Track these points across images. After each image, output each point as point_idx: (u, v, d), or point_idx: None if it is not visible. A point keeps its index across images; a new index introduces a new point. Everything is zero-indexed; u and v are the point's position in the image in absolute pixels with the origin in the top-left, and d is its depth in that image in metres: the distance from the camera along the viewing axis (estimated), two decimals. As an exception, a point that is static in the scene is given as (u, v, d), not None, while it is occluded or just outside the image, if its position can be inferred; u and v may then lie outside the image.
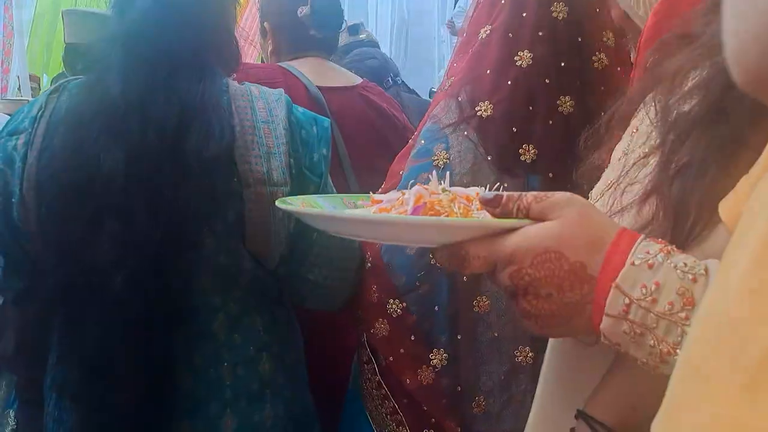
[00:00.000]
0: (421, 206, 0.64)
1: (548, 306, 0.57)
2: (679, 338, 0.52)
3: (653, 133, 0.68)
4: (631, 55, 1.17)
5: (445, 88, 1.24)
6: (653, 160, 0.65)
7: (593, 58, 1.18)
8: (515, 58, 1.16)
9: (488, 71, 1.18)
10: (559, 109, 1.15)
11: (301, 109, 1.18)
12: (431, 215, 0.62)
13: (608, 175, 0.76)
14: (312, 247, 1.13)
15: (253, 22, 3.06)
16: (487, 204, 0.61)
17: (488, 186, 0.70)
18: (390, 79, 2.70)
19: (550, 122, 1.15)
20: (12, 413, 2.02)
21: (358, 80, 1.82)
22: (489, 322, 1.17)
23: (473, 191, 0.67)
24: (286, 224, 1.09)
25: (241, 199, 1.05)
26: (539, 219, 0.58)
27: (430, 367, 1.17)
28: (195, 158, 1.00)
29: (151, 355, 1.00)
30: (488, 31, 1.20)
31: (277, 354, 1.16)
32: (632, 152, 0.72)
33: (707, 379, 0.31)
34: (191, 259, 1.04)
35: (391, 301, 1.16)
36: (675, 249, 0.54)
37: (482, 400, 1.18)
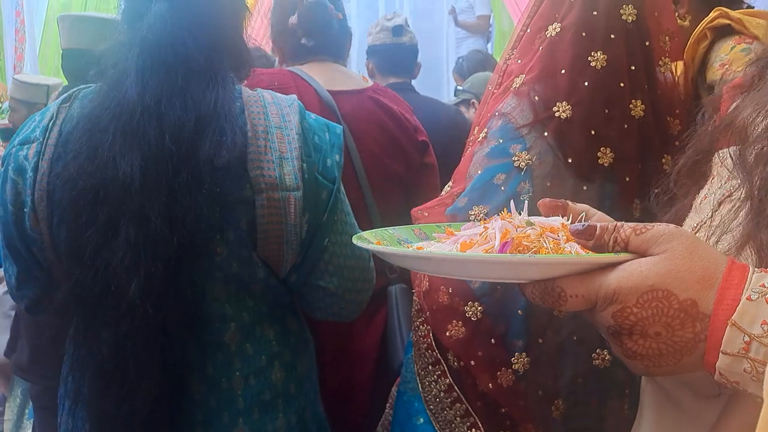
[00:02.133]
0: (509, 242, 0.62)
1: (657, 345, 0.55)
2: None
3: (731, 177, 0.67)
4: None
5: (513, 86, 1.22)
6: (745, 208, 0.64)
7: (659, 62, 1.19)
8: (589, 59, 1.16)
9: (563, 71, 1.17)
10: (632, 113, 1.16)
11: (313, 115, 1.18)
12: (520, 251, 0.60)
13: (692, 219, 0.75)
14: (323, 254, 1.12)
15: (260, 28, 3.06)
16: (579, 236, 0.59)
17: (569, 213, 0.71)
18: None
19: (626, 126, 1.15)
20: (28, 422, 2.04)
21: (368, 83, 1.82)
22: (568, 325, 1.16)
23: (556, 222, 0.66)
24: (299, 231, 1.08)
25: (253, 205, 1.05)
26: (640, 253, 0.56)
27: (511, 370, 1.15)
28: (207, 166, 0.99)
29: (165, 363, 0.99)
30: (558, 29, 1.18)
31: (289, 363, 1.16)
32: (711, 195, 0.71)
33: None
34: (204, 267, 1.04)
35: (470, 304, 1.15)
36: None
37: (561, 403, 1.17)
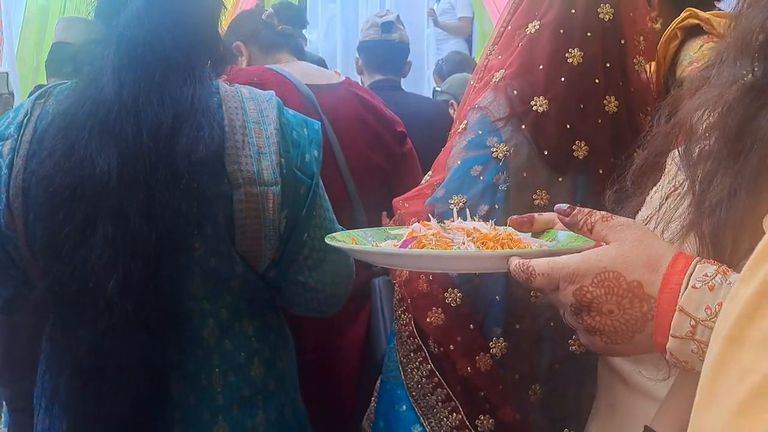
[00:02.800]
0: (412, 240, 0.80)
1: (611, 322, 0.62)
2: None
3: (678, 172, 0.74)
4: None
5: (492, 81, 1.26)
6: (687, 200, 0.71)
7: (634, 60, 1.23)
8: (566, 56, 1.20)
9: (541, 66, 1.21)
10: (606, 108, 1.20)
11: (291, 111, 1.18)
12: (418, 247, 0.79)
13: (642, 213, 0.82)
14: (302, 249, 1.12)
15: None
16: (560, 212, 0.70)
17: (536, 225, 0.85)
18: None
19: (599, 121, 1.20)
20: (3, 429, 2.01)
21: (341, 77, 1.83)
22: (545, 311, 1.20)
23: (485, 228, 0.84)
24: (277, 226, 1.08)
25: (230, 200, 1.04)
26: (601, 239, 0.65)
27: (488, 355, 1.20)
28: (185, 161, 0.99)
29: (143, 361, 0.99)
30: (537, 26, 1.23)
31: (268, 359, 1.15)
32: (661, 190, 0.78)
33: (716, 396, 0.38)
34: (182, 262, 1.03)
35: (449, 290, 1.19)
36: (728, 269, 0.59)
37: (538, 388, 1.22)
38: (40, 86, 1.35)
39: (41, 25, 4.35)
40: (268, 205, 1.06)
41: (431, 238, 0.82)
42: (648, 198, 0.83)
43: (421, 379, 1.23)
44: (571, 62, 1.19)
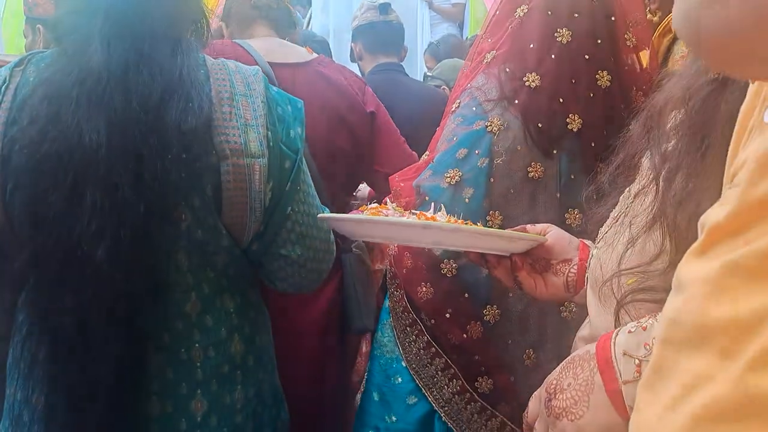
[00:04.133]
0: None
1: (570, 394, 0.70)
2: None
3: (648, 170, 0.79)
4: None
5: (483, 61, 1.32)
6: (651, 195, 0.76)
7: (625, 36, 1.29)
8: (555, 35, 1.26)
9: (531, 45, 1.27)
10: (598, 83, 1.26)
11: (275, 88, 1.19)
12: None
13: (616, 210, 0.89)
14: (286, 222, 1.12)
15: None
16: None
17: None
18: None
19: (591, 95, 1.26)
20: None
21: (312, 56, 1.78)
22: None
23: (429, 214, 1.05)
24: (262, 198, 1.08)
25: (218, 172, 1.04)
26: None
27: (479, 323, 1.27)
28: (174, 132, 0.98)
29: (124, 332, 0.98)
30: (526, 10, 1.29)
31: (248, 336, 1.15)
32: (633, 187, 0.83)
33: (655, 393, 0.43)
34: (169, 234, 1.02)
35: (445, 261, 1.26)
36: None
37: (531, 353, 1.28)
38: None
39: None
40: (254, 177, 1.06)
41: (391, 209, 1.05)
42: (622, 197, 0.88)
43: (419, 351, 1.29)
44: (561, 41, 1.25)
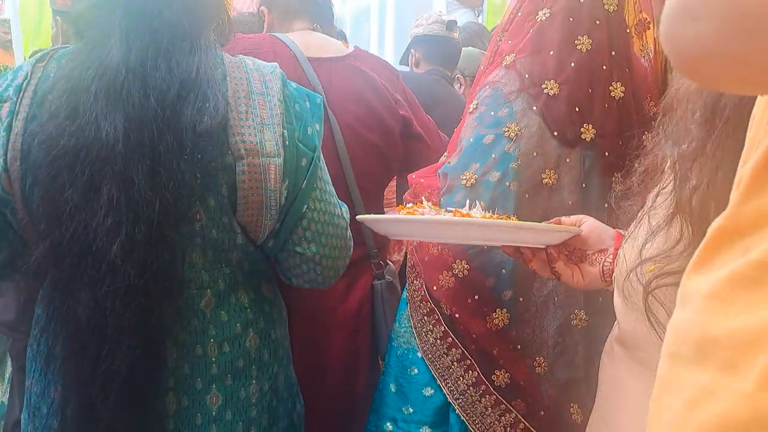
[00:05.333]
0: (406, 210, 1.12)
1: None
2: None
3: (669, 168, 0.80)
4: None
5: (504, 63, 1.31)
6: (670, 187, 0.78)
7: (640, 48, 1.30)
8: (576, 42, 1.26)
9: (551, 52, 1.27)
10: (612, 94, 1.27)
11: (294, 84, 1.18)
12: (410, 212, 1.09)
13: (641, 212, 0.91)
14: (302, 221, 1.12)
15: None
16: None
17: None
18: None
19: (606, 105, 1.26)
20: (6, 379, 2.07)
21: (348, 50, 1.77)
22: (550, 286, 1.27)
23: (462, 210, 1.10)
24: (278, 197, 1.08)
25: (234, 171, 1.05)
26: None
27: (499, 316, 1.27)
28: (190, 132, 0.99)
29: (142, 325, 0.99)
30: (548, 14, 1.29)
31: (263, 330, 1.16)
32: (657, 188, 0.86)
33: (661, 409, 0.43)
34: (185, 232, 1.03)
35: (458, 261, 1.27)
36: None
37: (542, 360, 1.28)
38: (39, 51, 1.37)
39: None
40: (269, 176, 1.06)
41: (427, 208, 1.08)
42: (649, 197, 0.90)
43: (436, 341, 1.29)
44: (581, 49, 1.26)
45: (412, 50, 2.77)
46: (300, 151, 1.11)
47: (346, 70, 1.69)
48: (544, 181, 1.25)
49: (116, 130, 0.95)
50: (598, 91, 1.26)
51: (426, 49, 2.71)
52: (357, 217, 1.18)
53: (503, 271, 1.26)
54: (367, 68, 1.73)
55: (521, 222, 1.06)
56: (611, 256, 1.04)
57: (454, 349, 1.27)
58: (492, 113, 1.28)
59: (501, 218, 1.06)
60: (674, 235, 0.76)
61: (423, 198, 1.19)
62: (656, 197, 0.84)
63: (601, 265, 1.05)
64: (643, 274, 0.79)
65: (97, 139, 0.95)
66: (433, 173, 1.35)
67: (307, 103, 1.17)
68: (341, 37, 2.62)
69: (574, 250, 1.08)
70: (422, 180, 1.37)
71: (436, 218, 1.05)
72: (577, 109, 1.25)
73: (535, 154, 1.25)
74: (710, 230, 0.44)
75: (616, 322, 0.98)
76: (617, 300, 0.93)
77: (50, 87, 1.02)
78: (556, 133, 1.25)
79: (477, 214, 1.08)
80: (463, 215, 1.06)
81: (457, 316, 1.27)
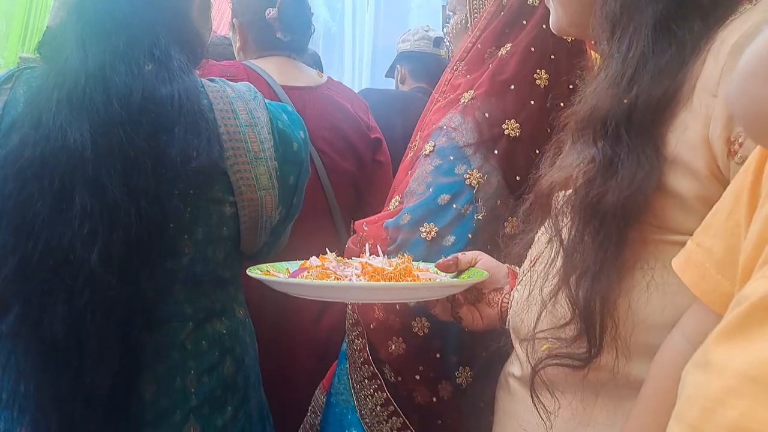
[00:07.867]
0: (304, 269, 1.05)
1: None
2: None
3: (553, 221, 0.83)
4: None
5: (461, 101, 1.23)
6: (558, 262, 0.81)
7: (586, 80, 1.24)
8: (535, 77, 1.20)
9: (512, 87, 1.20)
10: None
11: (273, 103, 1.19)
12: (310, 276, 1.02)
13: (532, 251, 0.92)
14: (281, 237, 1.19)
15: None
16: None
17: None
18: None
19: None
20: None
21: (322, 79, 1.79)
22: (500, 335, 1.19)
23: (379, 262, 1.03)
24: (273, 221, 1.13)
25: (224, 205, 1.06)
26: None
27: (450, 384, 1.18)
28: (181, 168, 0.97)
29: (122, 339, 0.95)
30: (508, 48, 1.22)
31: (238, 356, 1.14)
32: (546, 232, 0.86)
33: None
34: (168, 269, 1.01)
35: (417, 320, 1.17)
36: None
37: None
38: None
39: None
40: (266, 207, 1.10)
41: (315, 270, 1.02)
42: (536, 237, 0.91)
43: (376, 407, 1.20)
44: (539, 84, 1.20)
45: (398, 66, 2.75)
46: (290, 170, 1.16)
47: (319, 99, 1.70)
48: (507, 230, 1.18)
49: (83, 136, 0.92)
50: (556, 130, 1.18)
51: (413, 66, 2.69)
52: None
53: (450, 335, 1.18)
54: (339, 97, 1.75)
55: (414, 283, 0.98)
56: (508, 296, 1.00)
57: (395, 418, 1.19)
58: (449, 166, 1.19)
59: (414, 264, 1.03)
60: (564, 309, 0.77)
61: (327, 251, 1.11)
62: (547, 244, 0.84)
63: (498, 306, 1.02)
64: (534, 351, 0.81)
65: (65, 147, 0.92)
66: (379, 222, 1.25)
67: (285, 115, 1.18)
68: (315, 59, 2.62)
69: (470, 289, 1.04)
70: (366, 228, 1.27)
71: (298, 282, 0.99)
72: (537, 150, 1.16)
73: (498, 203, 1.17)
74: (744, 305, 0.41)
75: (509, 359, 0.97)
76: (514, 339, 0.92)
77: (20, 113, 0.97)
78: (518, 179, 1.17)
79: (381, 263, 1.03)
80: (375, 268, 1.00)
81: (403, 383, 1.18)
